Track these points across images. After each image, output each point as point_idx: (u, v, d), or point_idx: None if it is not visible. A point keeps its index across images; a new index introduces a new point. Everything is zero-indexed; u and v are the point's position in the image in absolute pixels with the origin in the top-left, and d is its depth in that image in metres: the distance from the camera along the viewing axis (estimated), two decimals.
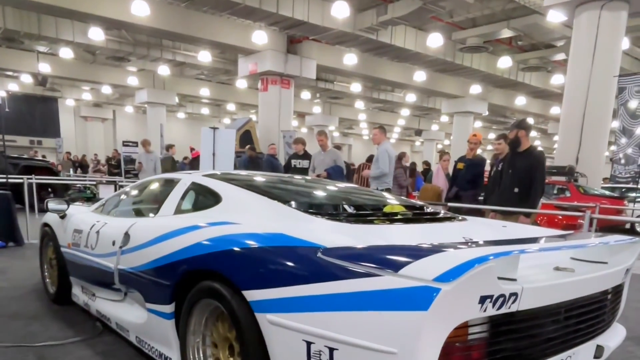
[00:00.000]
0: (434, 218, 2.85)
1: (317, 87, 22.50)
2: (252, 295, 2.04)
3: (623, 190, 12.33)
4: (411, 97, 24.53)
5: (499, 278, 1.66)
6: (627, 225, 9.94)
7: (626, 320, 2.73)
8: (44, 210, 4.56)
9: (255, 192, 2.82)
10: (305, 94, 24.64)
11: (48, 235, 4.32)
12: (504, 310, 1.69)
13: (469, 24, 14.92)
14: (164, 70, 20.70)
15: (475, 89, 20.91)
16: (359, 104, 28.58)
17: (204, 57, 17.64)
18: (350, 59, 16.89)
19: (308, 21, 13.19)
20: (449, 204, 6.34)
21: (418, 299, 1.58)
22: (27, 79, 21.87)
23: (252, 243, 2.17)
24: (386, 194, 3.61)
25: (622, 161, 10.58)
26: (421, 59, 16.93)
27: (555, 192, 10.38)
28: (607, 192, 11.32)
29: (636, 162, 10.14)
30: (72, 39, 15.83)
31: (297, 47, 16.53)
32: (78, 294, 3.90)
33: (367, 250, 1.90)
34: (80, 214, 4.01)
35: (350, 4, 12.60)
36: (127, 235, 3.05)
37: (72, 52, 18.06)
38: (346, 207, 2.78)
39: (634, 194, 11.48)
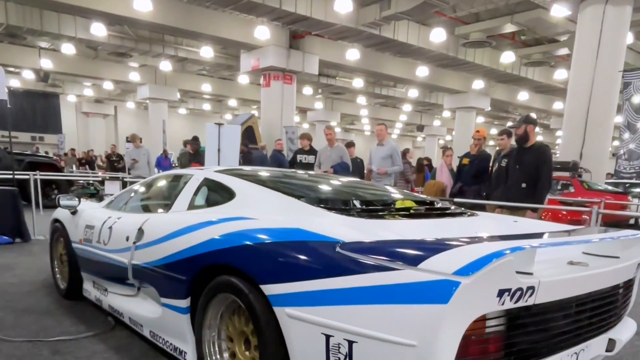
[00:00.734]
0: (445, 213, 2.88)
1: (319, 83, 22.50)
2: (270, 289, 2.06)
3: (627, 185, 12.34)
4: (413, 93, 24.51)
5: (516, 272, 1.69)
6: (632, 221, 9.96)
7: (636, 316, 2.75)
8: (48, 206, 4.59)
9: (269, 188, 2.84)
10: (307, 90, 24.63)
11: (59, 231, 4.35)
12: (521, 303, 1.72)
13: (472, 18, 14.89)
14: (165, 66, 20.69)
15: (478, 84, 20.89)
16: (361, 100, 28.58)
17: (206, 52, 17.64)
18: (352, 54, 16.88)
19: (311, 16, 13.17)
20: (454, 200, 6.36)
21: (438, 292, 1.61)
22: (29, 75, 21.86)
23: (269, 238, 2.20)
24: (397, 190, 3.64)
25: (626, 156, 10.59)
26: (424, 54, 16.91)
27: (559, 187, 10.39)
28: (610, 188, 11.33)
29: None
30: (74, 35, 15.80)
31: (300, 43, 16.52)
32: (89, 289, 3.94)
33: (386, 245, 1.93)
34: (92, 210, 4.04)
35: None
36: (141, 231, 3.08)
37: (74, 47, 18.03)
38: (359, 202, 2.81)
39: (638, 190, 11.49)
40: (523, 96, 23.30)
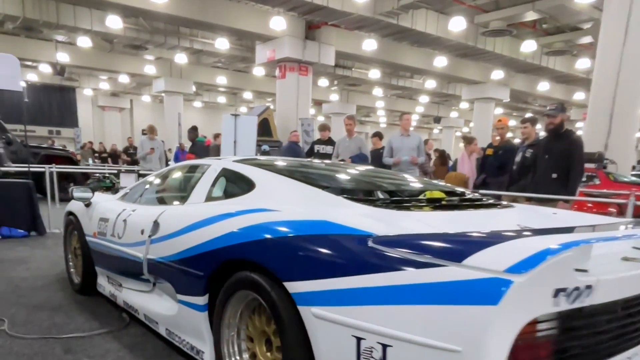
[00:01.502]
0: (478, 204, 2.68)
1: (335, 74, 22.24)
2: (295, 287, 1.89)
3: None
4: (431, 84, 24.16)
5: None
6: None
7: None
8: (64, 199, 4.47)
9: (290, 178, 2.67)
10: (323, 81, 24.40)
11: (72, 224, 4.23)
12: (577, 304, 1.53)
13: (492, 6, 14.52)
14: (181, 58, 20.61)
15: (497, 74, 20.48)
16: (377, 91, 28.25)
17: (222, 44, 17.49)
18: (369, 44, 16.61)
19: (327, 6, 12.95)
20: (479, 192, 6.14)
21: (486, 292, 1.43)
22: (45, 68, 21.92)
23: (293, 231, 2.03)
24: (424, 180, 3.44)
25: None
26: (442, 44, 16.59)
27: (583, 179, 10.06)
28: (638, 180, 10.97)
29: None
30: (90, 28, 15.76)
31: (316, 33, 16.29)
32: (104, 284, 3.81)
33: (424, 238, 1.75)
34: (106, 202, 3.91)
35: None
36: (156, 224, 2.93)
37: (90, 41, 18.02)
38: (387, 192, 2.63)
39: None
40: (543, 86, 22.85)
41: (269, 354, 2.23)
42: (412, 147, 7.10)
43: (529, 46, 16.78)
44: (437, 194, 2.72)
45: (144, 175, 6.26)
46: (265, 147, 12.48)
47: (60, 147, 15.59)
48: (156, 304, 3.02)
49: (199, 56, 21.95)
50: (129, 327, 3.40)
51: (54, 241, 6.48)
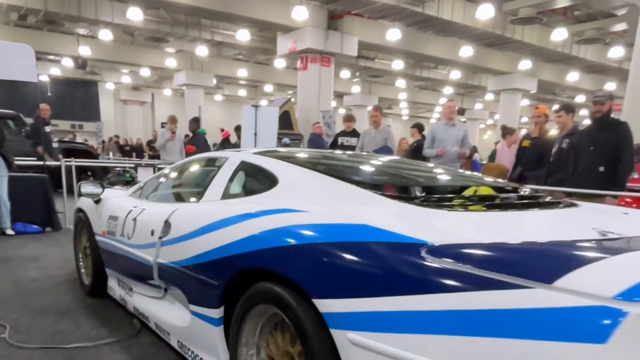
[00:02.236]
0: (539, 203, 2.29)
1: (357, 66, 21.76)
2: (327, 305, 1.55)
3: None
4: (455, 74, 23.51)
5: None
6: None
7: None
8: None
9: (319, 172, 2.31)
10: (345, 73, 23.95)
11: (82, 221, 3.95)
12: None
13: None
14: (202, 50, 20.36)
15: (525, 64, 19.76)
16: (400, 83, 27.68)
17: (243, 36, 17.16)
18: (393, 34, 16.11)
19: None
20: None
21: (591, 325, 1.06)
22: (68, 62, 21.90)
23: (325, 237, 1.68)
24: (467, 172, 3.04)
25: None
26: (468, 33, 16.03)
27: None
28: None
29: None
30: (111, 20, 15.59)
31: (338, 23, 15.86)
32: (114, 287, 3.52)
33: (496, 250, 1.38)
34: (116, 199, 3.61)
35: None
36: (167, 224, 2.61)
37: (111, 33, 17.88)
38: (431, 188, 2.26)
39: None
40: (572, 77, 22.04)
41: None
42: (457, 138, 6.51)
43: (559, 34, 16.10)
44: (487, 190, 2.34)
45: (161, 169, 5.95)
46: (286, 140, 12.15)
47: (80, 141, 15.48)
48: (168, 313, 2.71)
49: (219, 48, 21.70)
50: (139, 336, 3.10)
51: (68, 238, 6.17)
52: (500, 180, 2.90)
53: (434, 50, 18.37)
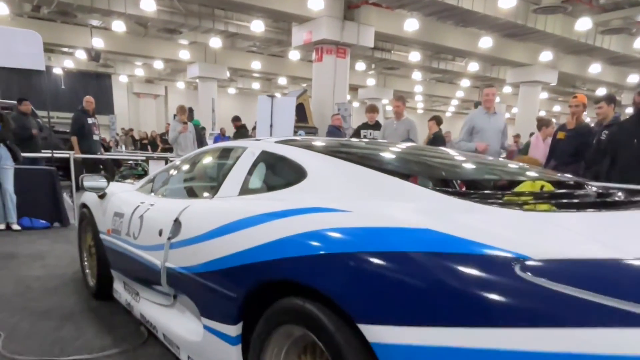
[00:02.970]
0: (614, 202, 1.91)
1: (373, 57, 21.32)
2: (379, 334, 1.21)
3: None
4: (473, 66, 22.98)
5: None
6: None
7: None
8: None
9: (356, 164, 1.93)
10: (360, 65, 23.52)
11: (86, 218, 3.65)
12: None
13: None
14: (215, 42, 20.05)
15: (546, 55, 19.18)
16: (416, 75, 27.18)
17: (257, 26, 16.82)
18: (411, 24, 15.66)
19: None
20: None
21: None
22: (81, 55, 21.74)
23: (377, 244, 1.32)
24: (520, 165, 2.65)
25: None
26: (489, 23, 15.54)
27: None
28: None
29: None
30: (124, 11, 15.33)
31: (355, 13, 15.43)
32: (120, 290, 3.21)
33: (625, 271, 1.03)
34: (123, 194, 3.29)
35: None
36: (177, 223, 2.29)
37: (124, 25, 17.64)
38: (497, 184, 1.90)
39: None
40: (595, 69, 21.40)
41: None
42: (499, 128, 5.83)
43: (583, 24, 15.51)
44: (547, 186, 1.97)
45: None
46: (301, 132, 11.80)
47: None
48: (177, 323, 2.39)
49: (233, 40, 21.38)
50: (146, 346, 2.80)
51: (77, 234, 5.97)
52: (567, 175, 2.52)
53: (452, 41, 17.88)
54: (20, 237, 5.69)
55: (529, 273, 1.02)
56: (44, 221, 6.27)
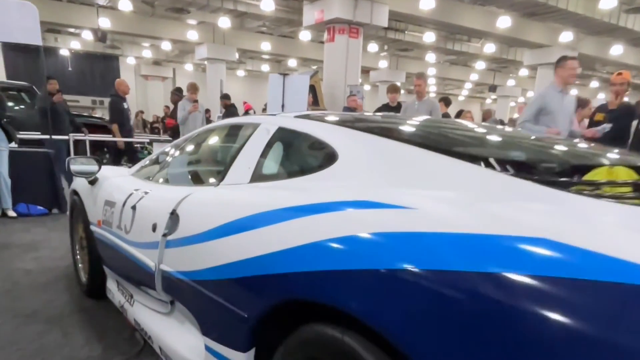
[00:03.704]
0: None
1: (386, 38, 20.67)
2: None
3: None
4: (490, 48, 22.26)
5: None
6: None
7: None
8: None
9: (410, 144, 1.47)
10: (372, 46, 22.84)
11: (77, 206, 3.23)
12: None
13: None
14: (224, 22, 19.48)
15: (566, 36, 18.48)
16: (430, 57, 26.47)
17: (267, 5, 16.25)
18: (426, 3, 15.04)
19: None
20: None
21: None
22: (88, 35, 21.30)
23: (467, 262, 0.87)
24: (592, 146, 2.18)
25: None
26: (508, 2, 14.93)
27: None
28: None
29: None
30: None
31: None
32: (113, 290, 2.79)
33: None
34: (116, 179, 2.86)
35: None
36: (174, 217, 1.87)
37: (130, 4, 17.14)
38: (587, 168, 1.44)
39: None
40: (616, 50, 20.65)
41: None
42: (570, 111, 4.93)
43: (607, 3, 14.84)
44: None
45: None
46: None
47: (98, 116, 14.86)
48: (176, 337, 1.97)
49: (242, 20, 20.80)
50: (141, 356, 2.39)
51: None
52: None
53: (469, 21, 17.22)
54: (15, 225, 5.31)
55: None
56: (41, 207, 5.88)
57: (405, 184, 1.30)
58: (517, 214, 0.98)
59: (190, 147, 2.71)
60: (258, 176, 1.81)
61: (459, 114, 7.77)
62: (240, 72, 32.19)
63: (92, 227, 2.86)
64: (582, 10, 15.75)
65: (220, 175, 2.00)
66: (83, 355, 2.39)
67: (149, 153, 10.77)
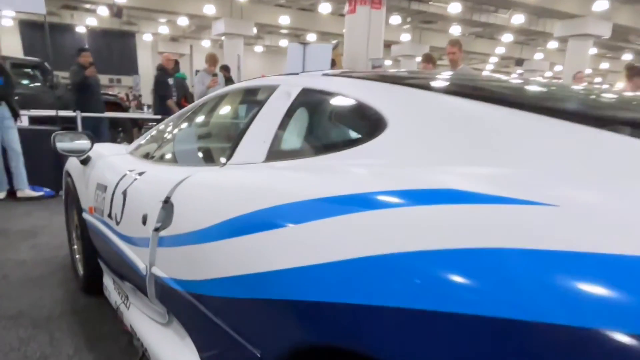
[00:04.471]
0: None
1: (409, 10, 19.89)
2: None
3: None
4: (518, 19, 21.28)
5: None
6: None
7: None
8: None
9: (503, 104, 0.99)
10: (395, 19, 22.04)
11: (70, 190, 2.82)
12: None
13: None
14: None
15: (600, 5, 17.51)
16: (454, 30, 25.53)
17: None
18: None
19: None
20: None
21: None
22: (104, 11, 20.94)
23: None
24: None
25: None
26: None
27: None
28: None
29: None
30: None
31: None
32: (110, 288, 2.37)
33: None
34: (110, 158, 2.43)
35: None
36: (168, 206, 1.42)
37: None
38: None
39: None
40: None
41: None
42: None
43: None
44: None
45: None
46: None
47: (111, 93, 14.50)
48: (175, 352, 1.54)
49: None
50: None
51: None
52: None
53: None
54: (19, 208, 4.97)
55: None
56: (48, 190, 5.53)
57: (496, 162, 0.83)
58: None
59: (193, 119, 2.25)
60: (276, 153, 1.35)
61: None
62: (259, 48, 31.65)
63: (85, 215, 2.44)
64: None
65: (227, 152, 1.54)
66: None
67: None
